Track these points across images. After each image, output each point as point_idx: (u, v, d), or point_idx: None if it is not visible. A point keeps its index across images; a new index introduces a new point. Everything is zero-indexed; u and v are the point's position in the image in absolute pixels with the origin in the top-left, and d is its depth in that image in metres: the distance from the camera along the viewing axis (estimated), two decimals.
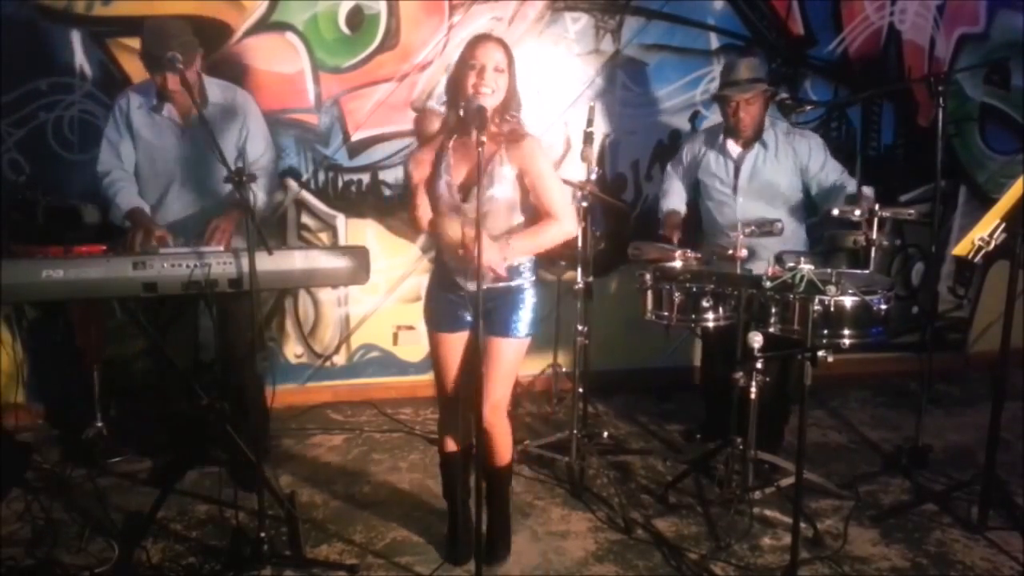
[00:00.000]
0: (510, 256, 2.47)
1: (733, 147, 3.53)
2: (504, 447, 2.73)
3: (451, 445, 2.76)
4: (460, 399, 2.70)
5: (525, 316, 2.60)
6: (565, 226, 2.53)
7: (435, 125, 2.46)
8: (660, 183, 3.88)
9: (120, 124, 3.18)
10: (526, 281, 2.60)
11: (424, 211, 2.52)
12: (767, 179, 3.49)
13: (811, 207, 3.57)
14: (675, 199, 3.72)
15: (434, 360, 2.73)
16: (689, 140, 3.79)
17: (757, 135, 3.48)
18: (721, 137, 3.55)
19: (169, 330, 3.21)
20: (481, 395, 2.55)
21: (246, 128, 3.24)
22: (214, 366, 3.39)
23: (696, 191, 3.71)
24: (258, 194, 3.16)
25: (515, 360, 2.65)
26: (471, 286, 2.49)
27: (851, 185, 3.42)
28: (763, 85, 3.43)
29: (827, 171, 3.49)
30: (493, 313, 2.57)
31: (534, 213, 2.57)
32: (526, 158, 2.48)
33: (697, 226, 3.74)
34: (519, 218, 2.56)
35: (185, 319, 3.27)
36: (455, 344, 2.62)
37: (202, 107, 3.08)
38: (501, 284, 2.55)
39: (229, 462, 3.24)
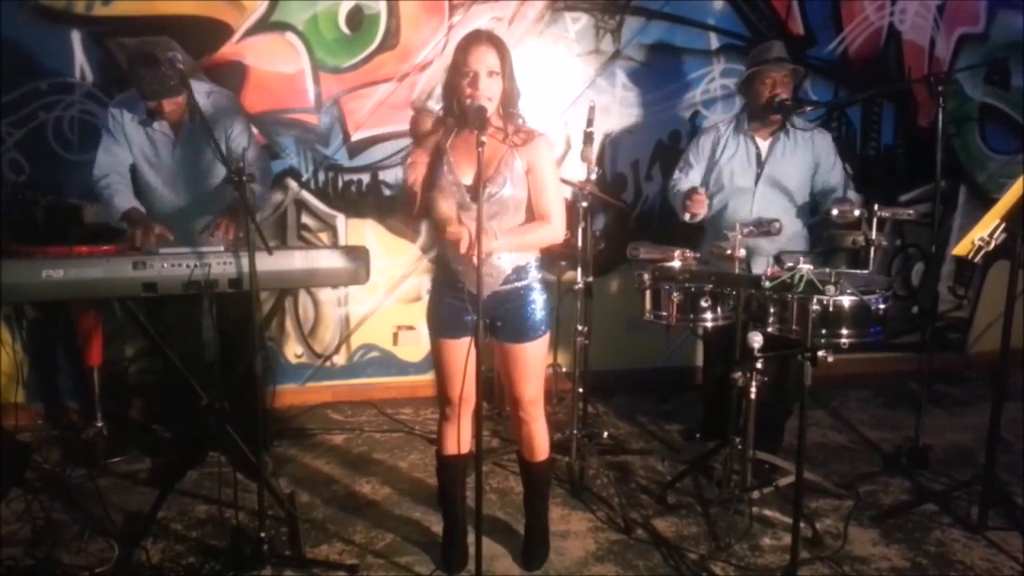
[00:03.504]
0: (493, 241, 2.40)
1: (758, 135, 3.50)
2: (544, 441, 2.76)
3: (451, 449, 2.74)
4: (462, 403, 2.69)
5: (538, 316, 2.60)
6: (555, 230, 2.53)
7: (430, 125, 2.44)
8: (675, 172, 3.67)
9: (115, 132, 3.22)
10: (533, 280, 2.60)
11: (425, 206, 2.49)
12: (786, 170, 3.47)
13: (812, 206, 3.57)
14: (695, 179, 3.60)
15: (437, 366, 2.71)
16: (707, 131, 3.65)
17: (782, 123, 3.46)
18: (746, 124, 3.52)
19: (170, 330, 3.21)
20: (515, 397, 2.66)
21: (231, 128, 3.24)
22: (214, 366, 3.39)
23: (707, 183, 3.64)
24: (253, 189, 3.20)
25: (540, 358, 2.67)
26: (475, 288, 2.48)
27: (846, 191, 3.44)
28: (793, 65, 3.43)
29: (835, 171, 3.49)
30: (506, 320, 2.57)
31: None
32: (536, 156, 2.49)
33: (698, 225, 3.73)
34: (523, 218, 2.56)
35: (187, 319, 3.28)
36: (460, 350, 2.55)
37: (191, 117, 3.14)
38: (508, 286, 2.55)
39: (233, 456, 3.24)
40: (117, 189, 3.18)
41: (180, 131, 3.21)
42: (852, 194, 3.43)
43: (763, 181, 3.47)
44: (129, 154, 3.24)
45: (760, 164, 3.48)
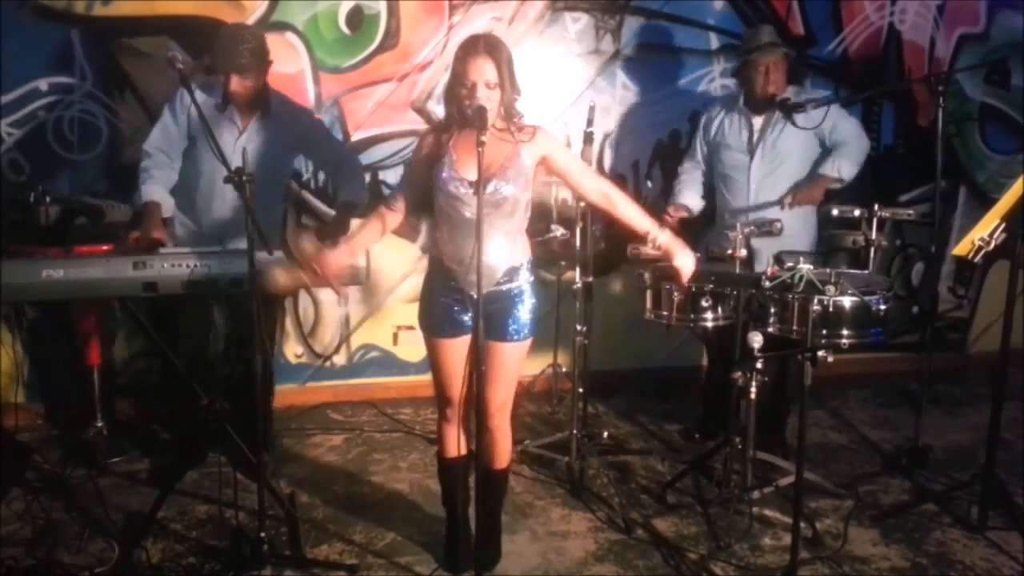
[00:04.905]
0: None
1: (753, 114, 3.50)
2: (506, 449, 2.73)
3: (452, 451, 2.73)
4: (462, 404, 2.68)
5: (524, 318, 2.58)
6: (619, 193, 2.59)
7: None
8: (684, 161, 3.77)
9: (178, 112, 3.18)
10: (524, 283, 2.58)
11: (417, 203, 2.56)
12: (784, 144, 3.45)
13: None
14: (688, 194, 3.65)
15: (434, 366, 2.68)
16: (706, 110, 3.74)
17: (776, 103, 3.45)
18: (741, 103, 3.53)
19: (172, 330, 3.21)
20: (483, 398, 2.55)
21: (310, 147, 3.43)
22: (215, 365, 3.39)
23: (711, 165, 3.66)
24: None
25: (517, 363, 2.64)
26: (467, 287, 2.48)
27: (854, 146, 3.45)
28: (783, 48, 3.44)
29: (839, 130, 3.46)
30: (492, 317, 2.54)
31: (534, 211, 2.60)
32: (548, 146, 2.50)
33: (706, 216, 3.74)
34: (525, 215, 2.56)
35: (190, 318, 3.28)
36: (457, 350, 2.56)
37: (263, 116, 3.18)
38: (497, 288, 2.53)
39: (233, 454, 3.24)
40: (152, 175, 3.17)
41: (248, 124, 3.18)
42: (845, 165, 3.41)
43: (759, 156, 3.46)
44: (184, 137, 3.20)
45: (752, 140, 3.48)
